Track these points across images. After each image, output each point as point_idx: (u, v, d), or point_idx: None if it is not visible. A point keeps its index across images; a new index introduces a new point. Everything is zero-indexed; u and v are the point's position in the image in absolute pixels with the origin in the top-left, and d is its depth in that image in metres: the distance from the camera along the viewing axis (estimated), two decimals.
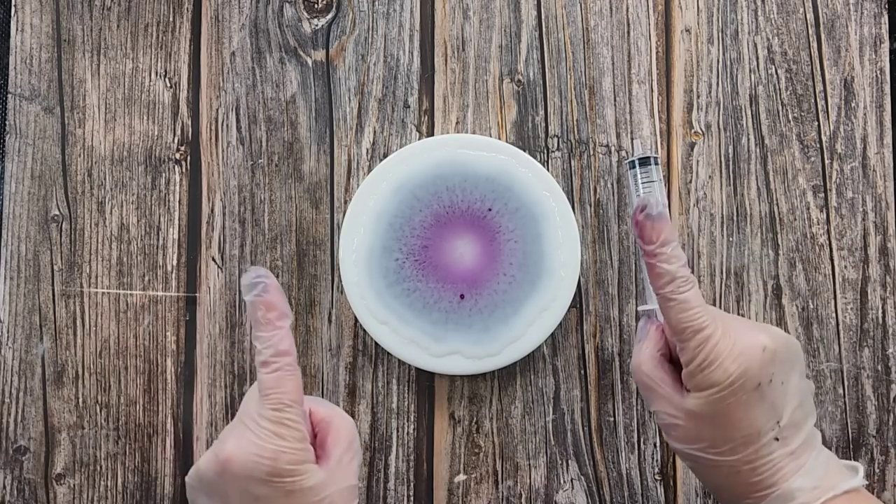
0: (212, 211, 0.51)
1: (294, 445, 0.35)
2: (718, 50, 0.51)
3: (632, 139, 0.50)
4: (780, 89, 0.51)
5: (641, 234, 0.37)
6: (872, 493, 0.49)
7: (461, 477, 0.49)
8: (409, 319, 0.47)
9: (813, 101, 0.51)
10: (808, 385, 0.38)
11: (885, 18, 0.51)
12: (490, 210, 0.48)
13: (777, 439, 0.35)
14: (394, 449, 0.50)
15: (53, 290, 0.50)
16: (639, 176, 0.48)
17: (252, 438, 0.34)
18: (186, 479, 0.37)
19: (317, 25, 0.52)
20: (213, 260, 0.51)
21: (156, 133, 0.51)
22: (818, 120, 0.51)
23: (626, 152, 0.51)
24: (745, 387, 0.35)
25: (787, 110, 0.51)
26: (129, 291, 0.50)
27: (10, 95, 0.51)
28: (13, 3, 0.52)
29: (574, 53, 0.51)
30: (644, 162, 0.48)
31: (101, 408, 0.50)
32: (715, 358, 0.35)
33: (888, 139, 0.51)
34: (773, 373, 0.35)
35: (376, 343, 0.48)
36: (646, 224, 0.37)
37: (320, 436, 0.38)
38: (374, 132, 0.51)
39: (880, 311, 0.50)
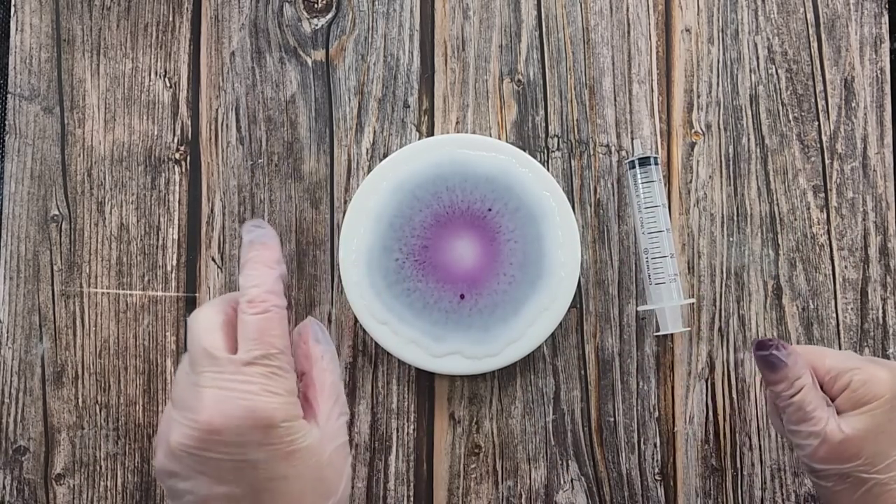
0: (211, 211, 0.51)
1: (288, 399, 0.30)
2: (719, 50, 0.51)
3: (632, 139, 0.50)
4: (780, 89, 0.51)
5: (768, 372, 0.40)
6: None
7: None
8: (409, 319, 0.47)
9: (813, 100, 0.51)
10: None
11: (886, 18, 0.51)
12: (490, 210, 0.48)
13: None
14: (394, 449, 0.50)
15: (53, 290, 0.50)
16: (639, 176, 0.48)
17: (236, 397, 0.30)
18: (155, 463, 0.32)
19: (317, 25, 0.52)
20: (213, 260, 0.51)
21: (155, 133, 0.51)
22: (818, 120, 0.51)
23: (627, 152, 0.50)
24: None
25: (787, 110, 0.51)
26: (128, 291, 0.50)
27: (9, 95, 0.51)
28: (13, 2, 0.52)
29: (574, 53, 0.51)
30: (644, 162, 0.48)
31: (101, 408, 0.50)
32: (870, 377, 0.37)
33: (888, 139, 0.51)
34: None
35: (376, 343, 0.48)
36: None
37: (301, 389, 0.34)
38: (374, 132, 0.51)
39: (881, 311, 0.50)
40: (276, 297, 0.33)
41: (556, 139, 0.51)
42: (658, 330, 0.49)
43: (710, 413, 0.49)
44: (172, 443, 0.31)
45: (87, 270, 0.50)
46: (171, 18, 0.52)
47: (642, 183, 0.48)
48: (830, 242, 0.50)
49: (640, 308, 0.49)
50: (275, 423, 0.30)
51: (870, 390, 0.37)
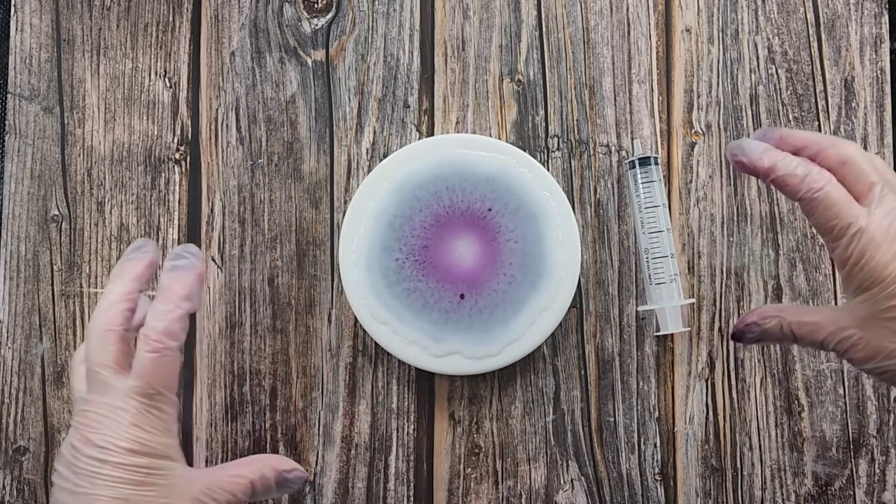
0: (211, 211, 0.51)
1: (158, 439, 0.33)
2: (719, 50, 0.51)
3: (632, 139, 0.50)
4: (780, 89, 0.51)
5: (744, 170, 0.35)
6: (873, 493, 0.49)
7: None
8: (409, 319, 0.47)
9: (813, 100, 0.51)
10: None
11: (886, 18, 0.51)
12: (490, 210, 0.48)
13: None
14: (394, 449, 0.50)
15: (53, 290, 0.50)
16: (639, 176, 0.48)
17: (112, 425, 0.33)
18: (53, 477, 0.35)
19: (317, 25, 0.52)
20: (213, 260, 0.51)
21: (155, 133, 0.51)
22: (818, 120, 0.51)
23: (627, 152, 0.50)
24: None
25: (787, 110, 0.51)
26: None
27: (9, 95, 0.51)
28: (13, 2, 0.52)
29: (574, 53, 0.51)
30: (644, 162, 0.48)
31: None
32: (874, 251, 0.32)
33: (888, 139, 0.51)
34: None
35: (376, 343, 0.48)
36: (743, 163, 0.35)
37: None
38: (374, 132, 0.51)
39: None
40: (171, 338, 0.34)
41: (556, 139, 0.51)
42: (658, 330, 0.49)
43: (710, 413, 0.49)
44: (59, 456, 0.35)
45: (87, 270, 0.50)
46: (171, 18, 0.52)
47: (642, 183, 0.48)
48: None
49: (641, 308, 0.49)
50: (137, 454, 0.33)
51: (869, 275, 0.32)
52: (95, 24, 0.52)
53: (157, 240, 0.51)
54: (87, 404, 0.35)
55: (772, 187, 0.50)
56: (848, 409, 0.49)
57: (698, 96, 0.51)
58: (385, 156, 0.50)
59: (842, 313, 0.34)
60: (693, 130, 0.51)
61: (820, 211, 0.33)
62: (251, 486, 0.37)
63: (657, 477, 0.49)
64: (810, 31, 0.51)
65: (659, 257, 0.47)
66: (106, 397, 0.34)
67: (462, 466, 0.49)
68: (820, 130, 0.51)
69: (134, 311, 0.37)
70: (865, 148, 0.50)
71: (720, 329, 0.50)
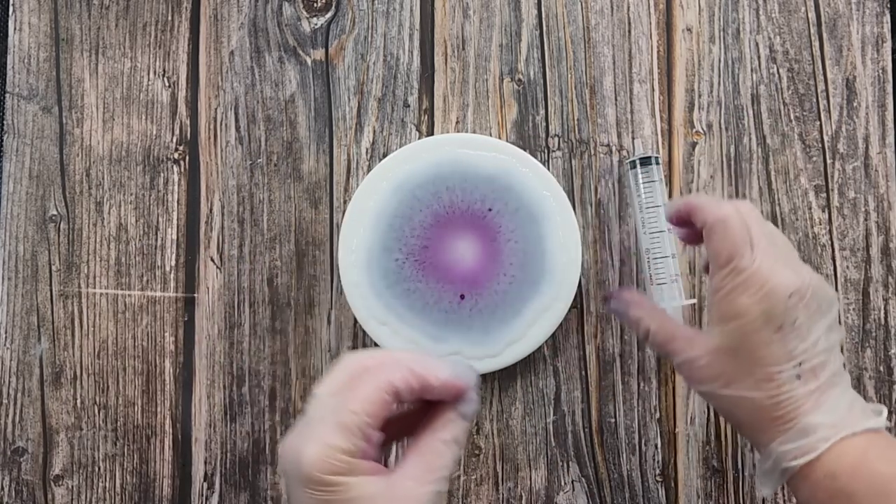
0: (210, 211, 0.51)
1: (339, 458, 0.30)
2: (720, 49, 0.51)
3: (633, 138, 0.50)
4: (781, 89, 0.51)
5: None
6: None
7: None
8: (409, 320, 0.47)
9: (815, 100, 0.51)
10: (838, 334, 0.37)
11: (887, 17, 0.51)
12: (490, 210, 0.47)
13: (798, 377, 0.35)
14: (394, 449, 0.49)
15: (51, 290, 0.50)
16: (640, 176, 0.48)
17: (302, 436, 0.31)
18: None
19: (316, 24, 0.51)
20: (212, 260, 0.50)
21: (154, 132, 0.51)
22: (820, 119, 0.51)
23: (627, 151, 0.50)
24: (767, 327, 0.35)
25: (788, 110, 0.51)
26: (127, 292, 0.50)
27: (7, 95, 0.51)
28: (11, 2, 0.52)
29: (575, 52, 0.51)
30: (645, 162, 0.47)
31: (100, 409, 0.50)
32: (743, 290, 0.35)
33: (890, 139, 0.50)
34: (797, 317, 0.35)
35: (376, 344, 0.48)
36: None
37: (419, 434, 0.33)
38: (374, 132, 0.51)
39: (882, 311, 0.50)
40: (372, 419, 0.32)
41: (556, 139, 0.51)
42: None
43: (712, 414, 0.49)
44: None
45: (86, 271, 0.50)
46: (169, 18, 0.52)
47: (643, 183, 0.47)
48: (832, 242, 0.50)
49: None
50: (314, 471, 0.30)
51: (732, 307, 0.35)
52: (94, 24, 0.52)
53: (156, 240, 0.50)
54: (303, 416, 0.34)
55: (773, 187, 0.50)
56: None
57: (699, 96, 0.51)
58: (385, 155, 0.50)
59: (699, 336, 0.38)
60: (694, 130, 0.51)
61: (715, 238, 0.37)
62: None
63: (658, 478, 0.49)
64: (811, 31, 0.51)
65: (660, 258, 0.47)
66: (312, 412, 0.33)
67: (462, 468, 0.49)
68: (821, 130, 0.50)
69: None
70: (867, 147, 0.50)
71: None
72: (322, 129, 0.51)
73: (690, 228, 0.40)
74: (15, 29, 0.51)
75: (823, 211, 0.50)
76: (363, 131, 0.51)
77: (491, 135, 0.51)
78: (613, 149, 0.50)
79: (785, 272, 0.35)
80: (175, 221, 0.51)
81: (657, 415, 0.49)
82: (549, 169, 0.50)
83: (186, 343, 0.50)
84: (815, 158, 0.50)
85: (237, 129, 0.51)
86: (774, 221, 0.50)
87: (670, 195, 0.50)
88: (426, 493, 0.31)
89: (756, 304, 0.35)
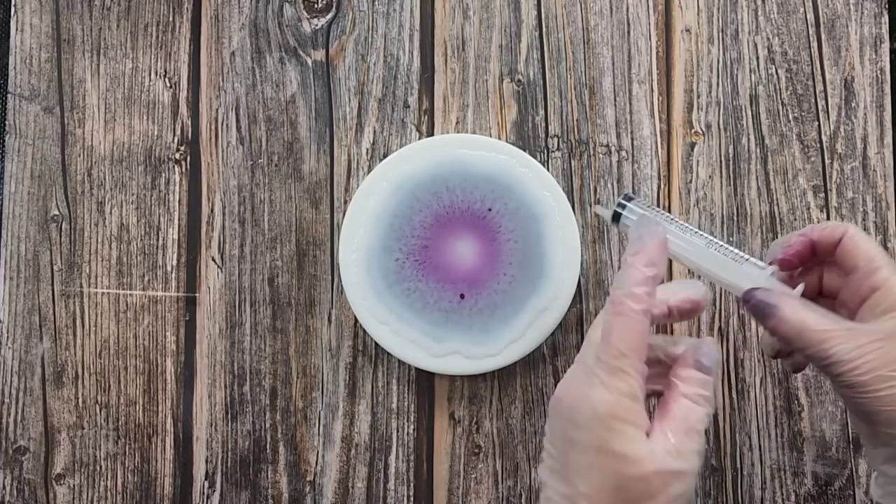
0: (211, 211, 0.51)
1: (620, 401, 0.32)
2: (719, 50, 0.51)
3: (632, 141, 0.50)
4: (780, 89, 0.51)
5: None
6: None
7: None
8: (409, 319, 0.47)
9: (813, 100, 0.51)
10: None
11: (886, 18, 0.51)
12: (490, 210, 0.48)
13: None
14: (394, 449, 0.50)
15: (53, 290, 0.50)
16: (643, 208, 0.40)
17: (580, 381, 0.32)
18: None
19: (317, 25, 0.52)
20: (213, 260, 0.51)
21: (155, 133, 0.51)
22: (818, 120, 0.51)
23: (626, 152, 0.50)
24: None
25: (787, 110, 0.51)
26: (128, 291, 0.50)
27: (9, 95, 0.51)
28: (13, 2, 0.52)
29: (574, 53, 0.51)
30: (628, 199, 0.41)
31: (101, 408, 0.50)
32: None
33: (888, 139, 0.51)
34: None
35: (376, 343, 0.48)
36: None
37: (666, 396, 0.34)
38: (374, 132, 0.51)
39: None
40: (634, 300, 0.33)
41: (556, 139, 0.51)
42: (658, 330, 0.49)
43: None
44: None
45: (87, 270, 0.50)
46: (171, 18, 0.52)
47: (649, 210, 0.40)
48: None
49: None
50: (598, 413, 0.31)
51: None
52: (95, 24, 0.52)
53: (157, 240, 0.51)
54: (574, 363, 0.35)
55: (771, 187, 0.50)
56: (848, 408, 0.49)
57: (698, 96, 0.51)
58: (385, 156, 0.50)
59: (858, 326, 0.35)
60: (693, 130, 0.51)
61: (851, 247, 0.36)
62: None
63: None
64: (810, 31, 0.51)
65: (719, 245, 0.39)
66: (583, 358, 0.34)
67: (462, 466, 0.49)
68: (820, 130, 0.51)
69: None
70: (865, 148, 0.50)
71: (720, 329, 0.50)
72: (322, 130, 0.51)
73: (797, 265, 0.39)
74: (17, 29, 0.52)
75: (822, 211, 0.50)
76: (363, 132, 0.51)
77: (491, 135, 0.51)
78: (612, 149, 0.51)
79: None
80: (176, 221, 0.51)
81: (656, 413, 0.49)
82: (548, 169, 0.50)
83: (187, 342, 0.50)
84: (813, 159, 0.50)
85: (238, 129, 0.51)
86: (773, 221, 0.50)
87: (669, 195, 0.50)
88: (691, 453, 0.33)
89: None
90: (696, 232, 0.39)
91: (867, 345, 0.33)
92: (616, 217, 0.40)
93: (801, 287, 0.37)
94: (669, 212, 0.50)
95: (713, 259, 0.38)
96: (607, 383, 0.32)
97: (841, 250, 0.37)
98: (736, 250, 0.38)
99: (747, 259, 0.38)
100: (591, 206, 0.50)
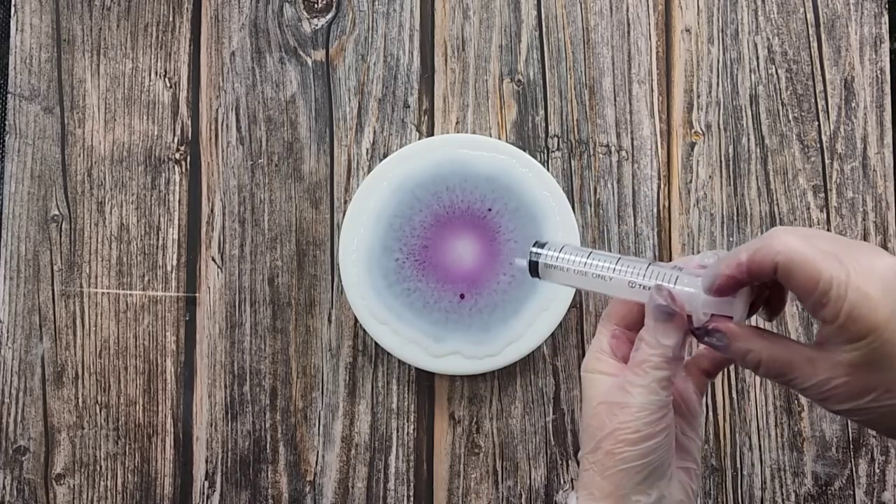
0: (212, 211, 0.51)
1: (591, 354, 0.35)
2: (719, 50, 0.51)
3: (632, 140, 0.50)
4: (780, 89, 0.51)
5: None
6: (872, 493, 0.49)
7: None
8: (409, 319, 0.47)
9: (813, 101, 0.51)
10: None
11: (886, 18, 0.51)
12: (490, 210, 0.48)
13: None
14: (394, 449, 0.50)
15: (53, 290, 0.50)
16: (557, 250, 0.36)
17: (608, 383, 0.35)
18: None
19: (317, 25, 0.52)
20: (213, 260, 0.51)
21: (156, 133, 0.51)
22: (818, 120, 0.51)
23: (626, 152, 0.50)
24: None
25: (787, 110, 0.51)
26: (128, 291, 0.50)
27: (9, 95, 0.51)
28: (13, 2, 0.52)
29: (574, 53, 0.51)
30: (540, 245, 0.37)
31: (101, 408, 0.50)
32: (858, 301, 0.30)
33: (888, 139, 0.51)
34: None
35: (376, 343, 0.48)
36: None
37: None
38: (374, 132, 0.51)
39: None
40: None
41: (556, 139, 0.51)
42: None
43: (710, 413, 0.49)
44: None
45: (88, 270, 0.50)
46: (171, 18, 0.52)
47: (565, 253, 0.36)
48: None
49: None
50: (583, 370, 0.36)
51: (861, 323, 0.30)
52: (95, 25, 0.52)
53: (157, 240, 0.51)
54: None
55: (771, 187, 0.50)
56: None
57: (698, 96, 0.51)
58: (385, 156, 0.50)
59: (819, 354, 0.32)
60: (693, 130, 0.51)
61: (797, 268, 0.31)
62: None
63: None
64: (810, 32, 0.51)
65: (644, 267, 0.36)
66: None
67: (462, 466, 0.49)
68: (820, 130, 0.51)
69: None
70: (865, 148, 0.50)
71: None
72: (322, 130, 0.51)
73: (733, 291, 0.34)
74: (17, 30, 0.52)
75: (822, 211, 0.50)
76: (363, 132, 0.51)
77: (491, 135, 0.51)
78: (612, 149, 0.51)
79: (869, 255, 0.31)
80: (176, 221, 0.51)
81: None
82: (548, 169, 0.50)
83: (188, 342, 0.50)
84: (813, 159, 0.50)
85: (238, 129, 0.51)
86: (773, 221, 0.50)
87: (669, 195, 0.50)
88: (634, 387, 0.34)
89: (880, 304, 0.30)
90: (618, 259, 0.35)
91: (831, 380, 0.32)
92: (534, 267, 0.36)
93: (743, 313, 0.34)
94: (669, 212, 0.50)
95: (629, 294, 0.35)
96: (590, 346, 0.36)
97: (781, 279, 0.32)
98: (668, 270, 0.34)
99: (673, 286, 0.34)
100: (590, 205, 0.50)
